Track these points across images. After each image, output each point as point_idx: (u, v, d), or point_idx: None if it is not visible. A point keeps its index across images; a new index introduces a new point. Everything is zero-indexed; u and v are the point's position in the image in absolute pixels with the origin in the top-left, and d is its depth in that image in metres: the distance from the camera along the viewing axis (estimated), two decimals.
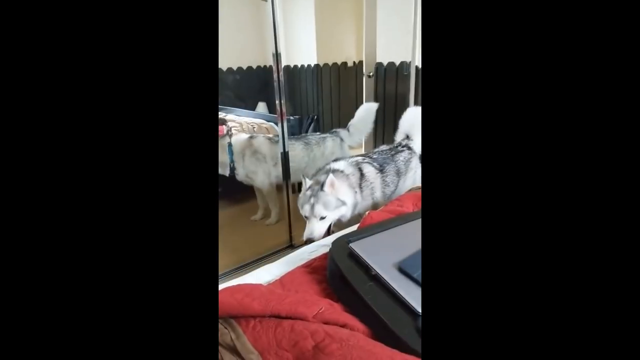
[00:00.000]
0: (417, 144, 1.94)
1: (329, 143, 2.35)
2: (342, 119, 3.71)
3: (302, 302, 0.82)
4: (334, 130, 2.47)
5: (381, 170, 1.65)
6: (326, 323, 0.80)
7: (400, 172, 1.77)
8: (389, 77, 2.98)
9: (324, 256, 1.08)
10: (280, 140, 2.01)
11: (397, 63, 2.88)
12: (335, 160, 1.67)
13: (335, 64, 3.54)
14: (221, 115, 2.90)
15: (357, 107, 3.82)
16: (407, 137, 1.97)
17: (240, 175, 2.23)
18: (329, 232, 1.45)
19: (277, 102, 1.93)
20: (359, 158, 1.67)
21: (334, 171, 1.50)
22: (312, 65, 3.47)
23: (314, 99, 3.59)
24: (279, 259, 1.13)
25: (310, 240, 1.33)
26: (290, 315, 0.80)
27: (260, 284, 0.91)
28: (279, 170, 2.19)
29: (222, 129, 2.55)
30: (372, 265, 0.89)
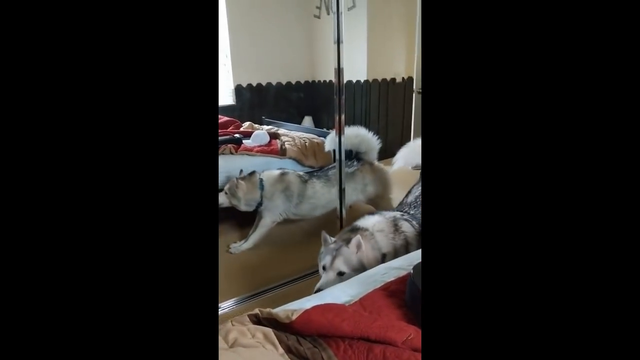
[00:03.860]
0: None
1: (357, 176, 2.23)
2: (389, 134, 3.68)
3: (391, 327, 0.79)
4: (356, 154, 2.30)
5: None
6: (415, 350, 0.77)
7: None
8: None
9: (400, 280, 1.04)
10: (338, 156, 2.00)
11: None
12: (370, 214, 1.55)
13: (384, 79, 3.54)
14: (274, 129, 2.95)
15: (403, 123, 3.79)
16: None
17: (263, 207, 2.15)
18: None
19: (336, 117, 1.94)
20: (398, 214, 1.53)
21: (359, 229, 1.39)
22: (362, 80, 3.48)
23: (362, 114, 3.59)
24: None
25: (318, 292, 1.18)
26: (380, 339, 0.77)
27: (346, 305, 0.88)
28: (299, 209, 2.17)
29: (276, 143, 2.59)
30: None
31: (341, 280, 1.22)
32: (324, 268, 1.29)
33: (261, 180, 2.15)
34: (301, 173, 2.26)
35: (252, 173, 2.17)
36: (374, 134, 2.32)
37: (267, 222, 2.17)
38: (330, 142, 2.27)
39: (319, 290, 1.20)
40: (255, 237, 2.16)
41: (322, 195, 2.19)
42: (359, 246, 1.29)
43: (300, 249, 2.15)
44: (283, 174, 2.20)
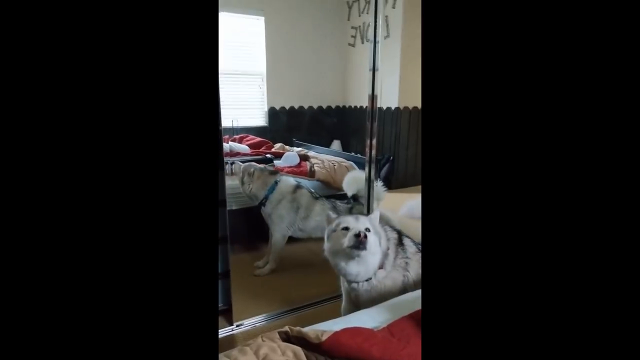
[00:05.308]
0: None
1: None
2: (418, 161, 3.66)
3: (418, 356, 0.78)
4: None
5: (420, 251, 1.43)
6: None
7: None
8: None
9: None
10: (368, 181, 2.02)
11: None
12: None
13: (415, 107, 3.56)
14: (304, 151, 3.00)
15: None
16: None
17: (266, 211, 2.17)
18: None
19: (367, 142, 1.96)
20: (404, 232, 1.50)
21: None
22: (393, 108, 3.51)
23: (392, 140, 3.60)
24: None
25: (361, 234, 1.14)
26: None
27: (374, 330, 0.88)
28: (305, 225, 2.15)
29: (306, 165, 2.63)
30: None
31: (369, 237, 1.17)
32: (346, 229, 1.21)
33: (276, 182, 2.15)
34: (312, 191, 2.25)
35: (274, 172, 2.19)
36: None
37: (277, 238, 2.16)
38: (349, 183, 2.21)
39: (358, 234, 1.15)
40: (274, 256, 2.17)
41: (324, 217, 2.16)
42: (378, 218, 1.30)
43: (327, 273, 2.15)
44: (298, 187, 2.21)
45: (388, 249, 1.32)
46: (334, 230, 1.26)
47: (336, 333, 0.78)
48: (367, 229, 1.21)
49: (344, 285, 1.40)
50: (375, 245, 1.23)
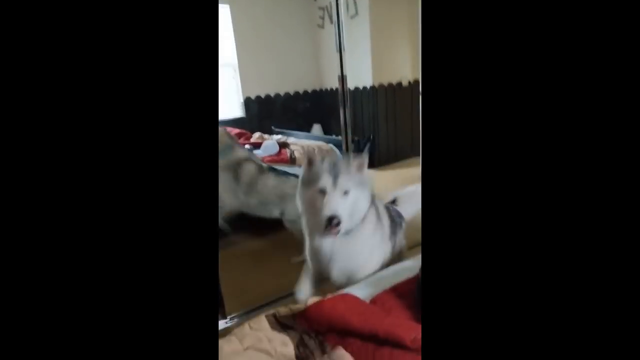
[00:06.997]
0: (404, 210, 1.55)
1: None
2: (398, 139, 3.69)
3: (399, 325, 0.81)
4: None
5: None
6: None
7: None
8: None
9: (410, 281, 1.06)
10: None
11: None
12: None
13: (390, 84, 3.56)
14: (283, 138, 3.00)
15: (412, 127, 3.79)
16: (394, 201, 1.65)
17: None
18: None
19: (342, 124, 1.97)
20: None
21: None
22: (368, 87, 3.51)
23: (370, 119, 3.61)
24: None
25: (334, 220, 0.98)
26: (388, 336, 0.79)
27: (360, 299, 0.90)
28: (249, 200, 2.01)
29: (286, 152, 2.63)
30: None
31: (346, 202, 1.03)
32: (322, 191, 1.03)
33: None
34: (264, 166, 2.08)
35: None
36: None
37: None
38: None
39: (332, 219, 0.98)
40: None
41: (272, 190, 1.98)
42: (361, 166, 1.11)
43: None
44: (246, 160, 2.02)
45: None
46: (307, 183, 1.05)
47: (320, 301, 0.80)
48: (346, 192, 1.02)
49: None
50: (370, 223, 1.08)
